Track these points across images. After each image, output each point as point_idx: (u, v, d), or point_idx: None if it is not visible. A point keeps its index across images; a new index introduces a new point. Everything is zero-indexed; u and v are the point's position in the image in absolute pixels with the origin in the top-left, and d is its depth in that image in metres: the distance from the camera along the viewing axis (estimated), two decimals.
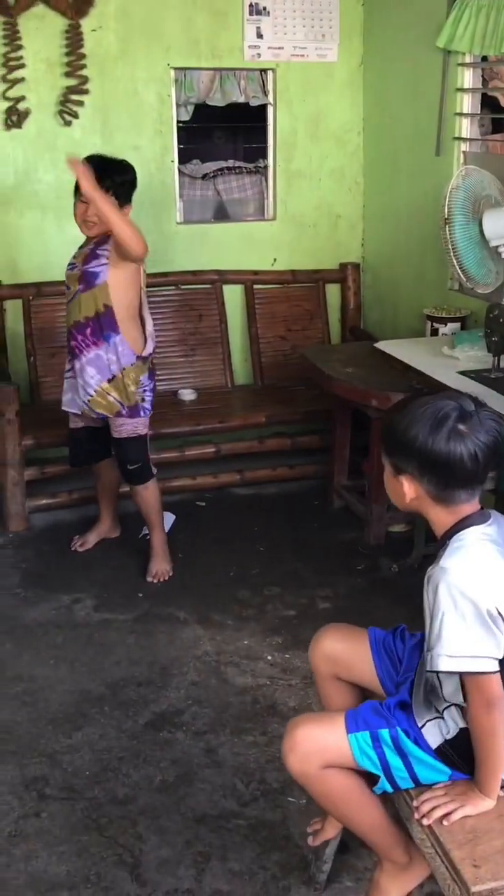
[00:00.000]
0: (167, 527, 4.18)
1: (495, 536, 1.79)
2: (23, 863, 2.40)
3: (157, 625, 3.44)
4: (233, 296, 4.94)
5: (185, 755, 2.77)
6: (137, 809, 2.57)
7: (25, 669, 3.19)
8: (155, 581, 3.71)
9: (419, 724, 1.87)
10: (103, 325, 3.50)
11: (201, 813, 2.56)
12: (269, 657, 3.23)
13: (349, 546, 4.04)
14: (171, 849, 2.44)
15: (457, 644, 1.70)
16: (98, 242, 3.51)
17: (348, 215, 5.10)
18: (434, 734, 1.86)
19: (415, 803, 1.84)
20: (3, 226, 4.57)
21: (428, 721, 1.87)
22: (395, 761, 1.87)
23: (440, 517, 1.83)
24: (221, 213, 5.08)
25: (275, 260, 5.04)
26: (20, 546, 4.07)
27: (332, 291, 5.11)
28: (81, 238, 4.68)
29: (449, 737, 1.86)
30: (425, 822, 1.79)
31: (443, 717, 1.87)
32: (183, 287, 4.84)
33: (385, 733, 1.87)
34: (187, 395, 4.67)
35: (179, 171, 4.85)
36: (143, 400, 3.62)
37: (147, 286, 4.74)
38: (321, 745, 1.91)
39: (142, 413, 3.62)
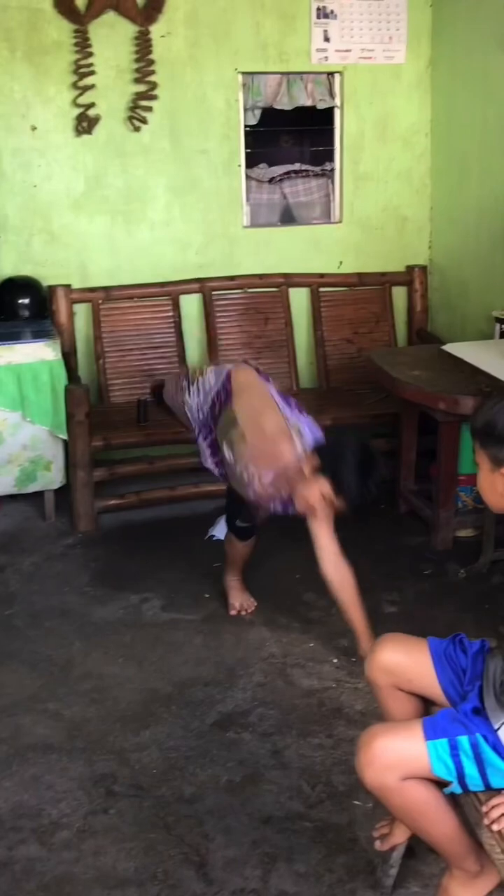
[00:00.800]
0: None
1: None
2: (91, 858, 2.43)
3: (223, 626, 3.47)
4: (299, 299, 4.95)
5: (252, 756, 2.78)
6: (204, 809, 2.59)
7: (94, 667, 3.24)
8: (243, 613, 3.52)
9: (495, 727, 1.85)
10: None
11: (267, 814, 2.57)
12: (335, 660, 3.23)
13: (416, 550, 4.02)
14: (237, 849, 2.45)
15: None
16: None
17: (416, 217, 5.07)
18: None
19: (484, 808, 1.83)
20: (74, 230, 4.65)
21: None
22: (470, 770, 1.85)
23: None
24: (288, 217, 5.09)
25: (341, 263, 5.03)
26: (89, 546, 4.13)
27: (399, 294, 5.09)
28: (156, 242, 4.76)
29: None
30: (495, 827, 1.78)
31: None
32: (249, 290, 4.87)
33: (464, 740, 1.85)
34: None
35: (246, 174, 4.88)
36: None
37: (213, 290, 4.82)
38: (399, 757, 1.88)
39: None
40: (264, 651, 3.29)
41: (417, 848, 2.34)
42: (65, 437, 4.15)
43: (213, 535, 4.13)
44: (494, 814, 1.80)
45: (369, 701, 2.99)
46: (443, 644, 2.12)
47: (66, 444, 4.19)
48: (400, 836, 2.25)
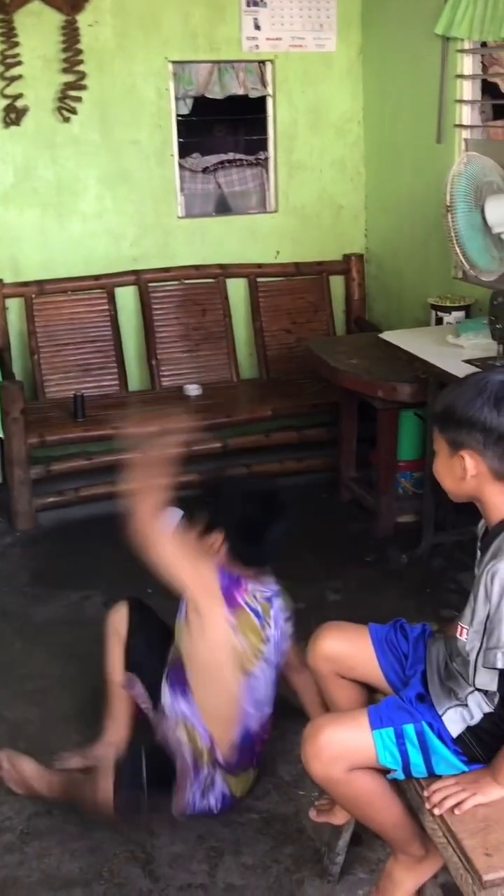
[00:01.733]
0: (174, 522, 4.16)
1: None
2: (35, 860, 2.40)
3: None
4: (236, 289, 4.93)
5: None
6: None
7: (36, 667, 3.19)
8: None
9: (440, 713, 1.85)
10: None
11: None
12: None
13: (358, 538, 4.03)
14: (183, 844, 2.43)
15: None
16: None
17: (351, 206, 5.08)
18: (456, 721, 1.84)
19: (426, 793, 1.83)
20: (4, 224, 4.56)
21: (449, 708, 1.85)
22: (415, 758, 1.85)
23: (498, 499, 1.80)
24: (223, 207, 5.06)
25: (278, 252, 5.02)
26: (28, 544, 4.06)
27: (336, 283, 5.09)
28: (88, 235, 4.71)
29: (472, 723, 1.84)
30: (437, 811, 1.78)
31: (466, 704, 1.85)
32: (186, 282, 4.83)
33: (410, 729, 1.85)
34: (193, 390, 4.65)
35: (180, 165, 4.83)
36: None
37: (149, 282, 4.77)
38: (346, 748, 1.87)
39: None
40: None
41: (364, 835, 2.35)
42: (0, 434, 4.08)
43: None
44: (435, 798, 1.80)
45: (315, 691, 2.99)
46: (384, 630, 2.11)
47: (2, 442, 4.12)
48: (339, 819, 2.24)
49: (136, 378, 4.79)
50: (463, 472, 1.80)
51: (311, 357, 4.18)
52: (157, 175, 4.74)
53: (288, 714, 2.87)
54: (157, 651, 2.59)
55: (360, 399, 4.08)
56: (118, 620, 2.68)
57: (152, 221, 4.78)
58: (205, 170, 5.02)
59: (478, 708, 1.84)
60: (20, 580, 3.78)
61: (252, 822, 2.49)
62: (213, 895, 2.29)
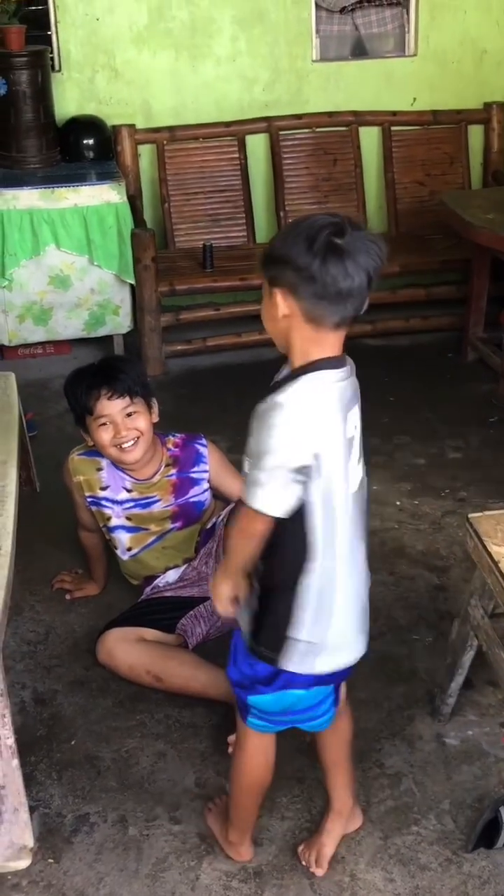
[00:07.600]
0: None
1: (340, 388, 1.70)
2: None
3: None
4: (369, 139, 4.77)
5: None
6: None
7: None
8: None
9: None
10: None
11: None
12: (398, 502, 3.28)
13: (483, 399, 3.99)
14: None
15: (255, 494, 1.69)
16: (180, 464, 2.83)
17: (495, 50, 4.79)
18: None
19: None
20: (137, 67, 4.50)
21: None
22: None
23: (304, 342, 1.69)
24: (359, 50, 4.85)
25: (414, 99, 4.81)
26: (157, 389, 4.12)
27: (475, 133, 4.86)
28: (221, 79, 4.59)
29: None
30: None
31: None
32: (317, 129, 4.70)
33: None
34: None
35: (316, 4, 4.62)
36: None
37: (280, 129, 4.67)
38: None
39: None
40: None
41: (475, 679, 2.43)
42: (132, 281, 4.15)
43: None
44: None
45: (431, 542, 3.06)
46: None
47: (133, 289, 4.20)
48: None
49: (263, 230, 4.75)
50: (277, 312, 1.68)
51: (443, 211, 4.06)
52: (293, 15, 4.56)
53: (403, 563, 2.96)
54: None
55: (493, 256, 3.97)
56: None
57: (286, 65, 4.63)
58: (342, 10, 4.78)
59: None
60: None
61: (365, 661, 2.55)
62: None
